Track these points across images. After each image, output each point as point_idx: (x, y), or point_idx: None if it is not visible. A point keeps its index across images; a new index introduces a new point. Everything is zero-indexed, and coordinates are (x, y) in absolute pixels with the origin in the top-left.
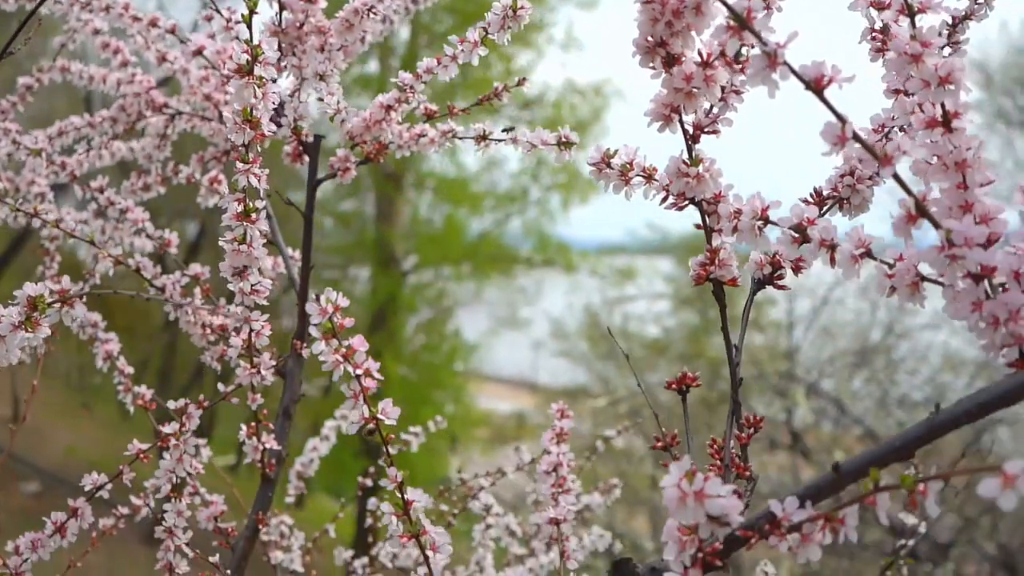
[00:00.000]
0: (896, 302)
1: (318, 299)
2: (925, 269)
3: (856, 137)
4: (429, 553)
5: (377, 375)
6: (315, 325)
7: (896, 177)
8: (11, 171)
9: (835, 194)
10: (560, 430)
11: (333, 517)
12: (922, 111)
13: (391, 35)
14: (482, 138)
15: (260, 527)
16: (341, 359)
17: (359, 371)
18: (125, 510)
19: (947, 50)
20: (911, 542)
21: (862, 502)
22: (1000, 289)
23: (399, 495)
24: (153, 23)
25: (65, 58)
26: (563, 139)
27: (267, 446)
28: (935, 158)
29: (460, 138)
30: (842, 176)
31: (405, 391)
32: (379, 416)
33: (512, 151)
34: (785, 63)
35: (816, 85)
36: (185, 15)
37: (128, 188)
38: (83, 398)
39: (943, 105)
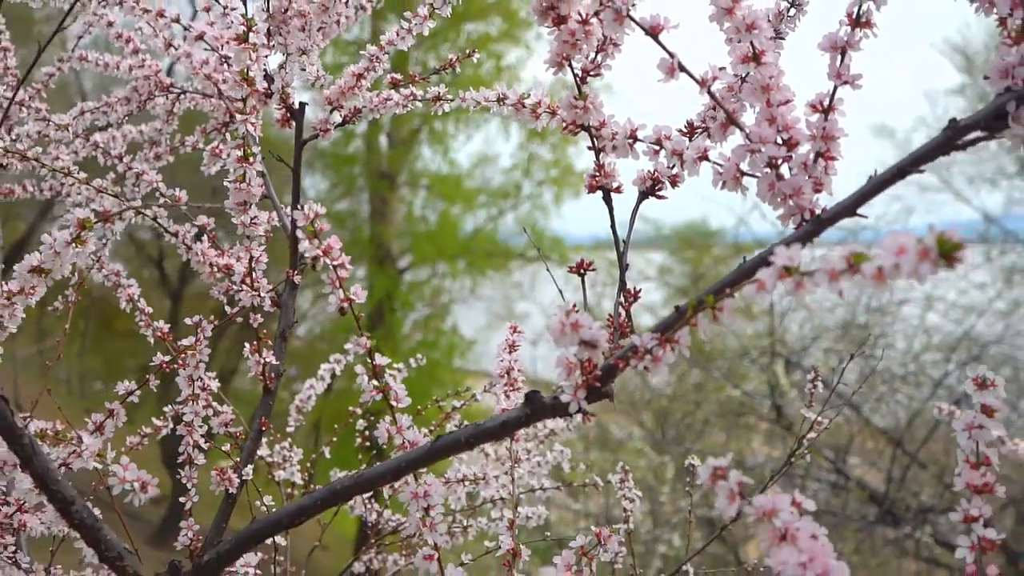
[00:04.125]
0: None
1: (302, 207)
2: (745, 167)
3: (681, 67)
4: (393, 403)
5: (348, 266)
6: (300, 227)
7: (711, 95)
8: (40, 147)
9: (703, 125)
10: (512, 342)
11: (334, 512)
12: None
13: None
14: (436, 99)
15: (263, 430)
16: (322, 253)
17: (336, 263)
18: (148, 430)
19: (792, 10)
20: (813, 435)
21: (688, 323)
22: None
23: (369, 360)
24: (160, 14)
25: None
26: (501, 96)
27: (267, 361)
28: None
29: (420, 100)
30: (707, 110)
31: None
32: (352, 296)
33: (505, 148)
34: (629, 16)
35: (653, 31)
36: (174, 5)
37: (142, 157)
38: (84, 404)
39: (752, 44)
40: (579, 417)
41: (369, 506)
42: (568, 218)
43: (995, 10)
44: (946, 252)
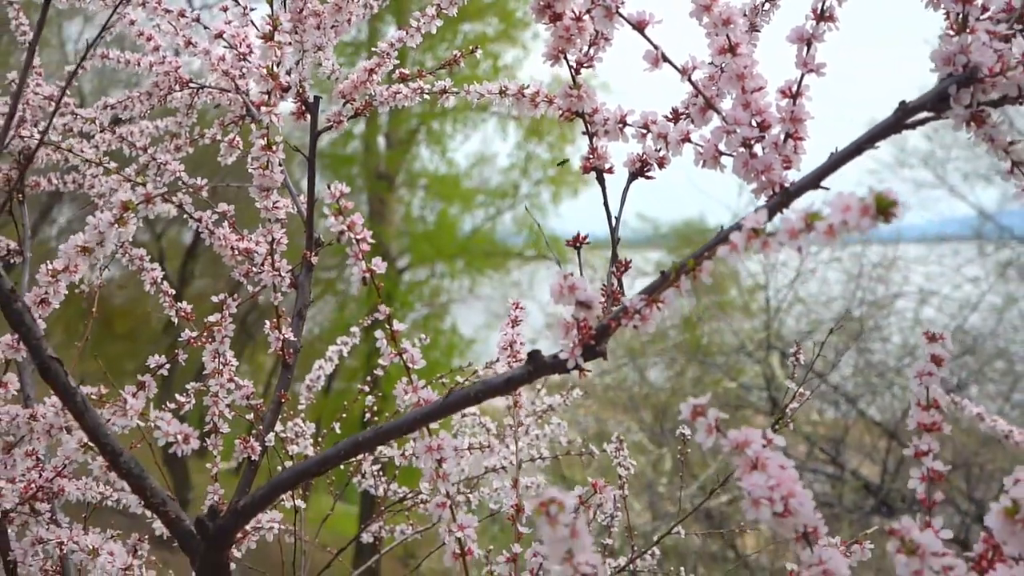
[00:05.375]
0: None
1: (328, 186)
2: (722, 147)
3: (664, 58)
4: (410, 365)
5: (370, 240)
6: (327, 205)
7: (692, 83)
8: (73, 140)
9: (686, 111)
10: (515, 318)
11: (331, 507)
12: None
13: (381, 35)
14: (443, 92)
15: (283, 402)
16: (346, 228)
17: (358, 237)
18: (173, 405)
19: (767, 5)
20: (795, 405)
21: (672, 285)
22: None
23: (388, 326)
24: (181, 14)
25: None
26: (503, 89)
27: (286, 337)
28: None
29: (427, 94)
30: (689, 97)
31: None
32: (372, 267)
33: (503, 148)
34: (618, 12)
35: (640, 26)
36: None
37: (163, 149)
38: None
39: (728, 37)
40: (575, 394)
41: (378, 478)
42: (566, 217)
43: (942, 5)
44: (883, 208)
